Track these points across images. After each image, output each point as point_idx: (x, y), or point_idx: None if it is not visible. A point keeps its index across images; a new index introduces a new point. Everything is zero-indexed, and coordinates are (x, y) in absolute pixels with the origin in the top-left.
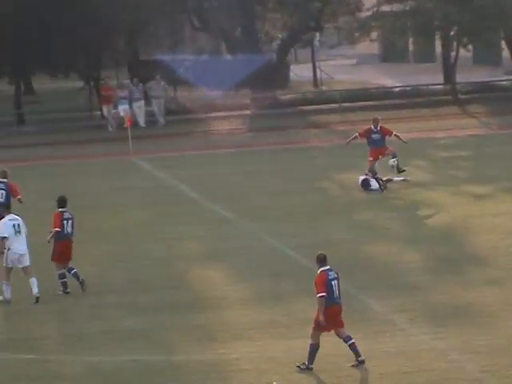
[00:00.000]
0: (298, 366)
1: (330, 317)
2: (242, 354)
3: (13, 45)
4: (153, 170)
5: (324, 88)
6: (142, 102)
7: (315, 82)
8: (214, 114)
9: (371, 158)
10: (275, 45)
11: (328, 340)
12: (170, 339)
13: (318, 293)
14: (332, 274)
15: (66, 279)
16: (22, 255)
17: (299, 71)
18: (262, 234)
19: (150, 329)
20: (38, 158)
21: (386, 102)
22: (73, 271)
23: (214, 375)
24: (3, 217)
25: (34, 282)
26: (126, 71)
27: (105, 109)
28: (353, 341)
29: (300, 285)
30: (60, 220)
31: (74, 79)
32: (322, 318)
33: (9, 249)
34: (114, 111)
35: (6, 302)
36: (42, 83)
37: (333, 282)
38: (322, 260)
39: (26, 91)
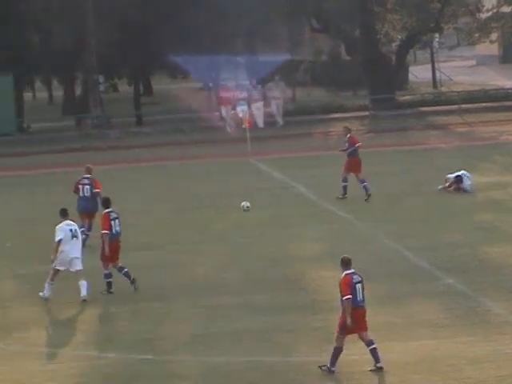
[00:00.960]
0: (319, 367)
1: (354, 319)
2: (360, 356)
3: (133, 46)
4: (271, 171)
5: (443, 89)
6: (261, 103)
7: (434, 83)
8: (332, 116)
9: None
10: (394, 46)
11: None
12: (287, 340)
13: (343, 295)
14: (356, 278)
15: (111, 279)
16: (73, 258)
17: (418, 72)
18: (380, 236)
19: (267, 330)
20: (156, 158)
21: (506, 103)
22: (124, 270)
23: (332, 377)
24: (92, 213)
25: (83, 284)
26: (245, 72)
27: (223, 110)
28: (375, 346)
29: (417, 287)
30: (108, 221)
31: (192, 80)
32: (348, 320)
33: (62, 251)
34: (232, 112)
35: (45, 299)
36: (161, 84)
37: (357, 286)
38: (346, 263)
39: (145, 92)
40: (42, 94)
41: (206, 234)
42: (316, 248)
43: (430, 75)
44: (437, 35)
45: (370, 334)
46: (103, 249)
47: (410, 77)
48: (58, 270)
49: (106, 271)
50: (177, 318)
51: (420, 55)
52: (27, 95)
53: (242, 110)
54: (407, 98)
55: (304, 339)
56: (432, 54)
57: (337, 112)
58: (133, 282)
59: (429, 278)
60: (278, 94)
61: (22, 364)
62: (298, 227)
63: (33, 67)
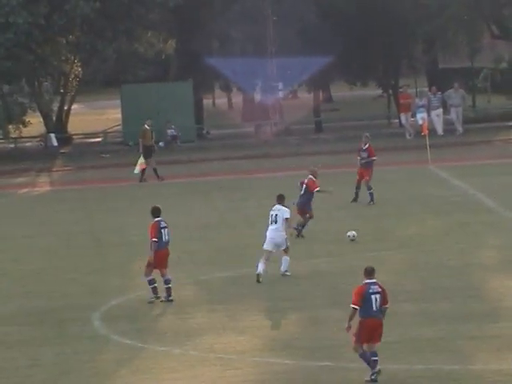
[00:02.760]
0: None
1: (368, 329)
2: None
3: (313, 53)
4: (450, 179)
5: None
6: (441, 110)
7: None
8: None
9: None
10: None
11: None
12: (466, 348)
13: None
14: (374, 288)
15: (155, 284)
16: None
17: None
18: None
19: (446, 338)
20: (335, 165)
21: None
22: (167, 285)
23: None
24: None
25: (286, 259)
26: (424, 79)
27: (403, 117)
28: (377, 358)
29: None
30: (157, 230)
31: (371, 88)
32: (347, 324)
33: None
34: (411, 119)
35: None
36: (340, 91)
37: (372, 296)
38: (369, 273)
39: (325, 99)
40: (222, 101)
41: (387, 241)
42: (497, 256)
43: None
44: None
45: None
46: (154, 257)
47: None
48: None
49: (149, 278)
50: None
51: None
52: (207, 102)
53: (421, 118)
54: None
55: (482, 347)
56: None
57: None
58: (167, 298)
59: None
60: (458, 101)
61: (201, 370)
62: (478, 235)
63: (212, 73)
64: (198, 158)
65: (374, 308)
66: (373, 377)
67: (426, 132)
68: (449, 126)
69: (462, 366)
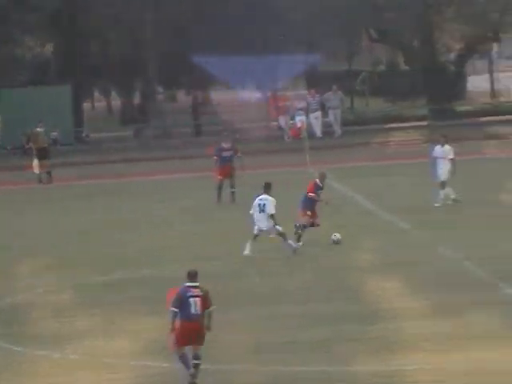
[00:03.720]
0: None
1: (186, 332)
2: (418, 366)
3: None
4: (329, 181)
5: (502, 99)
6: (319, 113)
7: (492, 93)
8: (390, 125)
9: None
10: (453, 56)
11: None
12: (347, 350)
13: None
14: (193, 292)
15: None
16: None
17: (477, 82)
18: (439, 246)
19: (326, 339)
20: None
21: None
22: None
23: None
24: None
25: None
26: (303, 82)
27: (281, 119)
28: (198, 362)
29: (476, 297)
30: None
31: (250, 90)
32: (170, 326)
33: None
34: (291, 122)
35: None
36: (220, 94)
37: (191, 299)
38: (191, 276)
39: (203, 102)
40: (101, 104)
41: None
42: (373, 258)
43: (488, 85)
44: (495, 45)
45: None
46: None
47: (468, 87)
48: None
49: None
50: (236, 328)
51: (478, 65)
52: (86, 105)
53: (300, 120)
54: (465, 108)
55: (362, 348)
56: (490, 63)
57: (395, 122)
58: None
59: (489, 288)
60: (336, 103)
61: (80, 374)
62: (356, 236)
63: (91, 77)
64: (76, 161)
65: (193, 311)
66: (193, 380)
67: (295, 134)
68: (327, 129)
69: (342, 367)
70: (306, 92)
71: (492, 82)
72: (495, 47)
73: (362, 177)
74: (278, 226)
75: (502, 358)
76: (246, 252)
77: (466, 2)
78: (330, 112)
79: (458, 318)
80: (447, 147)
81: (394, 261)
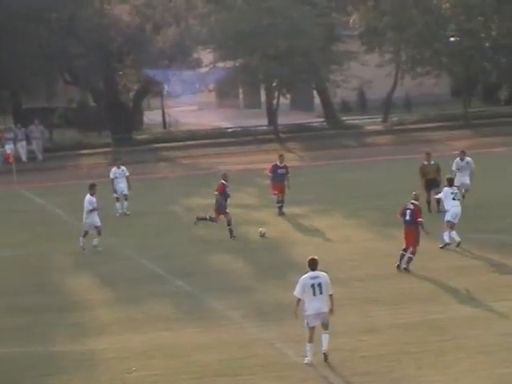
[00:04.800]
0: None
1: None
2: (107, 346)
3: None
4: (33, 197)
5: (172, 129)
6: (24, 142)
7: (164, 124)
8: (82, 151)
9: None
10: (131, 94)
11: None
12: (49, 334)
13: None
14: None
15: None
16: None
17: (152, 116)
18: (123, 247)
19: (32, 326)
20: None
21: (222, 140)
22: None
23: (86, 363)
24: None
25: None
26: (11, 117)
27: None
28: None
29: (152, 288)
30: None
31: None
32: None
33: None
34: (0, 149)
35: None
36: None
37: None
38: None
39: None
40: None
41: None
42: (71, 259)
43: (161, 118)
44: (166, 86)
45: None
46: None
47: (145, 120)
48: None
49: None
50: None
51: (153, 102)
52: None
53: (9, 148)
54: (143, 136)
55: (62, 332)
56: (162, 101)
57: (85, 148)
58: None
59: (162, 281)
60: (38, 134)
61: None
62: (54, 242)
63: None
64: None
65: None
66: None
67: (11, 160)
68: (31, 155)
69: (44, 348)
70: (13, 125)
71: (164, 116)
72: (165, 87)
73: (60, 194)
74: None
75: (174, 337)
76: None
77: (141, 52)
78: (34, 141)
79: (138, 306)
80: (124, 168)
81: (86, 260)
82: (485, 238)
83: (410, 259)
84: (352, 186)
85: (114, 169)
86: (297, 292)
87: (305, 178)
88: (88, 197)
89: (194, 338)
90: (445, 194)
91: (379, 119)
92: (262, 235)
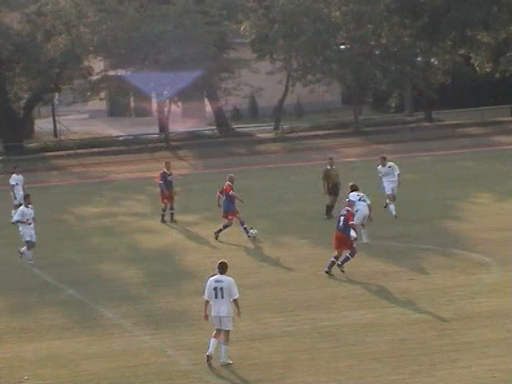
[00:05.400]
0: None
1: None
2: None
3: None
4: None
5: (62, 138)
6: None
7: (55, 132)
8: None
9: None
10: (22, 103)
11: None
12: None
13: None
14: None
15: None
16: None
17: (42, 124)
18: (15, 256)
19: None
20: None
21: (113, 148)
22: None
23: None
24: None
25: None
26: None
27: None
28: None
29: (44, 297)
30: None
31: None
32: None
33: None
34: None
35: None
36: None
37: None
38: None
39: None
40: None
41: None
42: None
43: (51, 126)
44: (56, 94)
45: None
46: None
47: (36, 128)
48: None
49: None
50: None
51: (43, 110)
52: None
53: None
54: (34, 145)
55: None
56: (53, 109)
57: None
58: None
59: (54, 290)
60: None
61: None
62: None
63: None
64: None
65: None
66: None
67: None
68: None
69: None
70: None
71: (54, 124)
72: (56, 96)
73: None
74: None
75: (66, 346)
76: None
77: (32, 60)
78: None
79: (30, 315)
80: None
81: None
82: (378, 244)
83: (346, 258)
84: (244, 193)
85: (14, 175)
86: (204, 294)
87: (196, 186)
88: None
89: (86, 347)
90: (353, 198)
91: (271, 127)
92: (253, 236)
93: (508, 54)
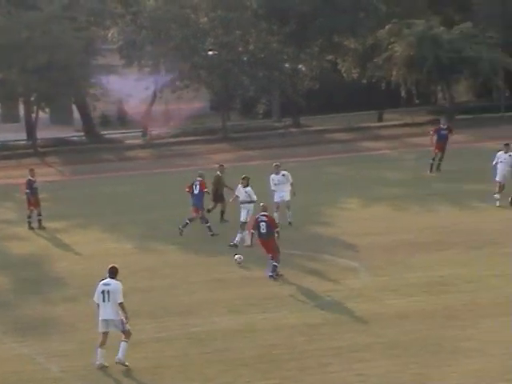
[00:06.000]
0: None
1: None
2: None
3: None
4: None
5: None
6: None
7: None
8: None
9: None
10: None
11: None
12: None
13: None
14: None
15: None
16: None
17: None
18: None
19: None
20: None
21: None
22: None
23: None
24: None
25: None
26: None
27: None
28: None
29: None
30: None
31: None
32: None
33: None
34: None
35: None
36: None
37: None
38: None
39: None
40: None
41: None
42: None
43: None
44: None
45: None
46: None
47: None
48: None
49: None
50: None
51: None
52: None
53: None
54: None
55: None
56: None
57: None
58: None
59: None
60: None
61: None
62: None
63: None
64: None
65: None
66: None
67: None
68: None
69: None
70: None
71: None
72: None
73: None
74: None
75: None
76: None
77: None
78: None
79: None
80: None
81: None
82: (247, 249)
83: (274, 267)
84: (112, 200)
85: None
86: (94, 297)
87: (64, 193)
88: None
89: None
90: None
91: (139, 133)
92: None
93: (375, 60)
